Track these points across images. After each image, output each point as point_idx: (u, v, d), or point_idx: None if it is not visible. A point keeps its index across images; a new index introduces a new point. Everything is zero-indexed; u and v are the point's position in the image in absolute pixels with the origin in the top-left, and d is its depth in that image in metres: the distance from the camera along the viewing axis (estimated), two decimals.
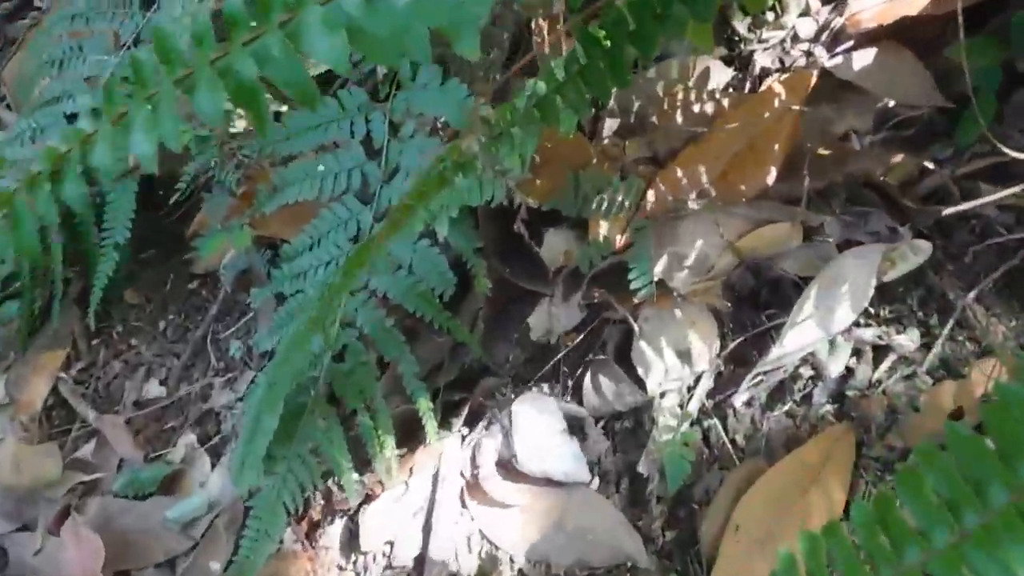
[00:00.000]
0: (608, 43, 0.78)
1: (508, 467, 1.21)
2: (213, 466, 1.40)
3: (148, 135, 0.63)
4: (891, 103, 1.19)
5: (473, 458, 1.24)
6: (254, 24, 0.62)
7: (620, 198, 1.05)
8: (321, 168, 1.30)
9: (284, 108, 1.52)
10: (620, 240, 1.09)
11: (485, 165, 0.79)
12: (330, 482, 1.30)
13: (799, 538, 0.65)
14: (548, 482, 1.20)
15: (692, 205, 1.09)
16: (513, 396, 1.24)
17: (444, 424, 1.27)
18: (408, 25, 0.53)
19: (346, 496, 1.24)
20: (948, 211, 1.00)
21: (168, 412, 1.50)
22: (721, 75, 1.24)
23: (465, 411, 1.28)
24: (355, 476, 1.27)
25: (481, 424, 1.26)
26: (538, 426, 1.21)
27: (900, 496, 0.63)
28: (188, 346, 1.54)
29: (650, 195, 1.10)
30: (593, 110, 1.30)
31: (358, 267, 0.93)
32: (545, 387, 1.25)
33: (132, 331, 1.61)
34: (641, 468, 1.16)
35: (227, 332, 1.53)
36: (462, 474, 1.25)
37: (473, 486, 1.23)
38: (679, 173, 1.13)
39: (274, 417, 1.13)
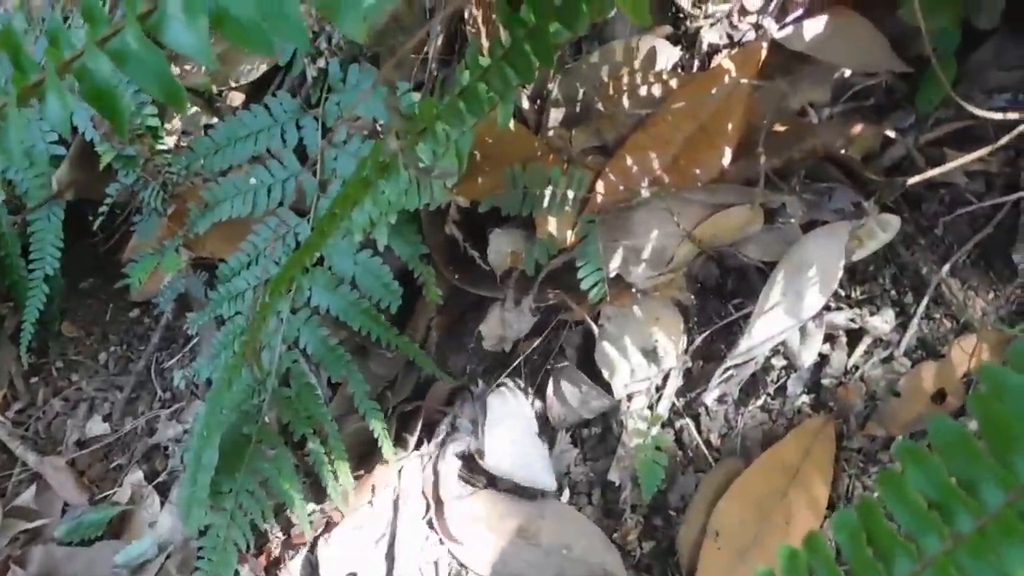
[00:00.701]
0: (532, 21, 0.70)
1: (472, 467, 1.15)
2: (162, 504, 1.32)
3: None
4: (847, 72, 1.13)
5: (435, 468, 1.17)
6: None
7: (565, 192, 0.98)
8: (253, 181, 1.23)
9: (214, 120, 1.45)
10: (571, 237, 1.02)
11: (407, 164, 0.71)
12: (286, 512, 1.22)
13: (778, 554, 0.58)
14: (513, 488, 1.14)
15: (644, 194, 1.02)
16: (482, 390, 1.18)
17: (399, 441, 1.20)
18: (279, 6, 0.46)
19: (302, 528, 1.16)
20: (914, 180, 0.94)
21: (113, 450, 1.42)
22: (668, 55, 1.17)
23: (420, 422, 1.20)
24: (311, 506, 1.20)
25: (438, 436, 1.19)
26: (510, 424, 1.14)
27: (884, 501, 0.56)
28: (131, 378, 1.46)
29: (600, 186, 1.03)
30: (536, 102, 1.24)
31: (285, 285, 0.86)
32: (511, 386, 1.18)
33: (71, 366, 1.53)
34: (612, 476, 1.09)
35: (171, 361, 1.45)
36: (424, 494, 1.18)
37: (438, 507, 1.15)
38: (628, 161, 1.06)
39: (213, 451, 1.06)
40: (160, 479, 1.34)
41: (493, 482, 1.15)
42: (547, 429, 1.16)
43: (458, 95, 0.75)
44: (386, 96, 1.00)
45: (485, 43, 1.01)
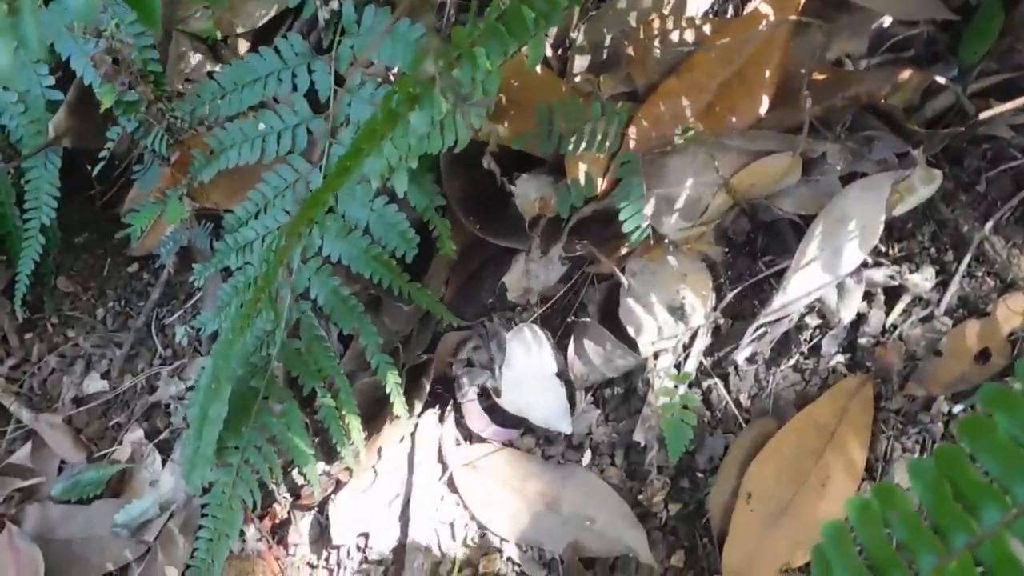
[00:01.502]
0: None
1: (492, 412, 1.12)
2: (164, 463, 1.27)
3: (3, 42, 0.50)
4: (887, 21, 1.08)
5: (456, 406, 1.13)
6: None
7: (600, 132, 0.92)
8: (262, 127, 1.17)
9: (219, 67, 1.39)
10: (603, 182, 0.97)
11: (444, 91, 0.66)
12: (293, 473, 1.18)
13: (847, 506, 0.54)
14: (535, 445, 1.10)
15: (677, 141, 0.98)
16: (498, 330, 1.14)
17: (412, 393, 1.15)
18: None
19: (311, 487, 1.12)
20: (984, 114, 0.89)
21: (112, 407, 1.37)
22: (700, 1, 1.13)
23: (431, 374, 1.16)
24: (320, 465, 1.15)
25: (457, 375, 1.14)
26: (527, 365, 1.11)
27: (970, 448, 0.52)
28: (130, 334, 1.40)
29: (632, 132, 0.98)
30: (559, 50, 1.19)
31: (303, 226, 0.81)
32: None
33: (68, 321, 1.47)
34: (637, 437, 1.05)
35: (172, 317, 1.40)
36: (441, 450, 1.14)
37: (456, 462, 1.11)
38: (661, 107, 1.01)
39: (222, 405, 1.01)
40: (161, 437, 1.30)
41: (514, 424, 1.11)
42: (567, 385, 1.12)
43: (498, 18, 0.70)
44: (421, 16, 0.94)
45: None
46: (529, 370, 1.09)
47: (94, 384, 1.38)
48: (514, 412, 1.10)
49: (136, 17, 0.47)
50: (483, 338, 1.13)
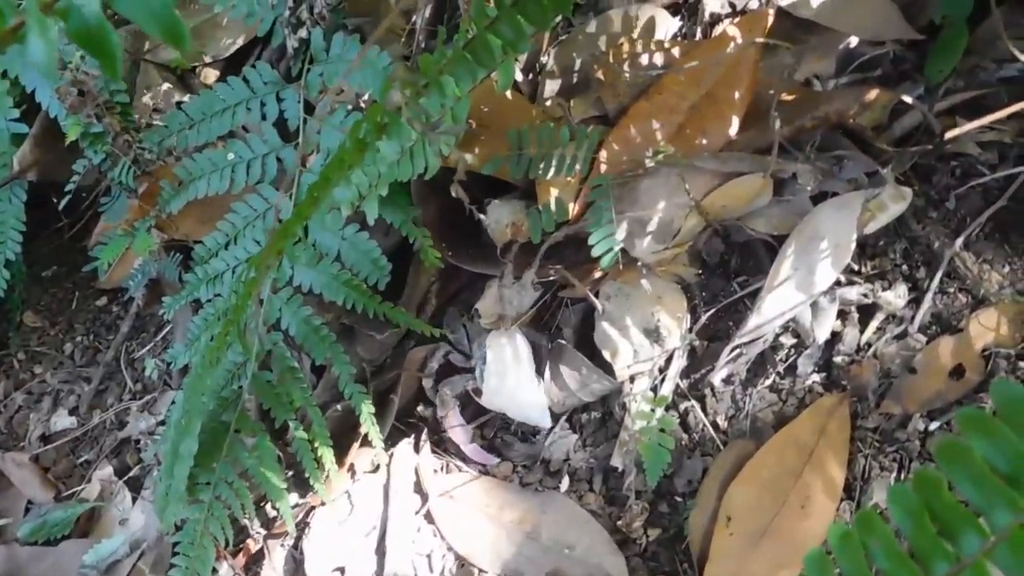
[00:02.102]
0: None
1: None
2: (134, 500, 1.24)
3: None
4: (854, 42, 1.09)
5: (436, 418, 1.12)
6: None
7: (570, 156, 0.92)
8: (231, 156, 1.16)
9: (186, 97, 1.38)
10: (575, 206, 0.97)
11: (412, 120, 0.66)
12: (267, 507, 1.16)
13: (829, 534, 0.53)
14: (513, 475, 1.08)
15: (649, 163, 0.97)
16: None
17: (384, 419, 1.13)
18: None
19: (284, 522, 1.10)
20: (953, 133, 0.89)
21: (80, 444, 1.34)
22: (668, 25, 1.13)
23: (399, 388, 1.15)
24: (293, 497, 1.13)
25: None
26: (505, 363, 1.09)
27: (948, 474, 0.51)
28: (99, 369, 1.38)
29: (603, 156, 0.98)
30: (530, 74, 1.19)
31: (273, 257, 0.79)
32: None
33: (35, 357, 1.44)
34: (615, 462, 1.04)
35: (142, 350, 1.38)
36: (418, 477, 1.12)
37: (435, 495, 1.10)
38: (632, 130, 1.01)
39: (193, 440, 0.99)
40: (132, 474, 1.27)
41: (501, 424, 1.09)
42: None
43: (465, 47, 0.70)
44: (387, 47, 0.93)
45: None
46: (508, 367, 1.07)
47: (62, 421, 1.35)
48: (496, 410, 1.09)
49: (134, 19, 0.46)
50: (462, 341, 1.12)
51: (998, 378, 0.90)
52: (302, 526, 1.13)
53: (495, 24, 0.69)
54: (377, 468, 1.14)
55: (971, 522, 0.50)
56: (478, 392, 1.10)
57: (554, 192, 0.96)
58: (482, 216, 0.95)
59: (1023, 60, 0.92)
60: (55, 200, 1.32)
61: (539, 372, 1.08)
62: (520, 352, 1.07)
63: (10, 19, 0.51)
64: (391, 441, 1.14)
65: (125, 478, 1.26)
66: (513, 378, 1.07)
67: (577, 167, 0.93)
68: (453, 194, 0.83)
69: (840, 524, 0.54)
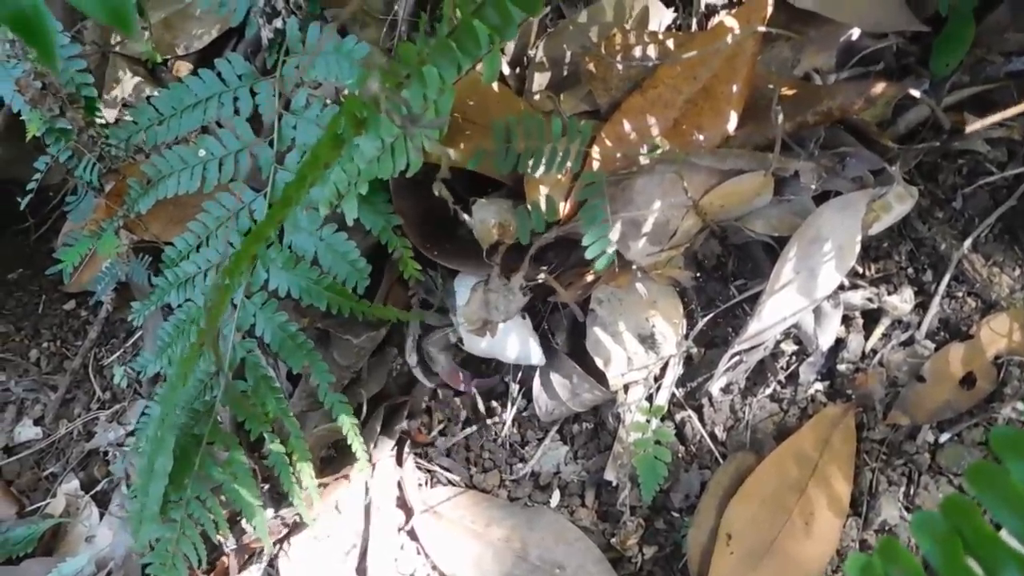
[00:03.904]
0: None
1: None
2: (101, 516, 1.18)
3: None
4: (855, 34, 1.04)
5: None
6: None
7: (562, 151, 0.87)
8: (202, 153, 1.09)
9: (157, 92, 1.31)
10: (565, 205, 0.92)
11: (391, 113, 0.60)
12: (242, 522, 1.10)
13: (848, 566, 0.48)
14: (500, 488, 1.03)
15: (644, 161, 0.92)
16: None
17: (369, 433, 1.08)
18: None
19: (260, 539, 1.04)
20: (972, 126, 0.84)
21: (45, 456, 1.27)
22: (662, 15, 1.08)
23: (405, 412, 1.10)
24: (269, 512, 1.08)
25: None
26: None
27: (978, 497, 0.47)
28: (66, 376, 1.31)
29: (594, 152, 0.93)
30: (517, 68, 1.13)
31: (246, 263, 0.74)
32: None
33: None
34: (608, 476, 0.99)
35: (111, 357, 1.31)
36: (400, 500, 1.06)
37: (419, 511, 1.04)
38: (625, 125, 0.96)
39: (167, 457, 0.93)
40: (99, 488, 1.21)
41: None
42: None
43: (449, 34, 0.64)
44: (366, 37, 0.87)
45: None
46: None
47: (26, 431, 1.29)
48: (481, 354, 1.05)
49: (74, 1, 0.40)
50: (433, 291, 1.07)
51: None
52: (279, 543, 1.08)
53: (481, 9, 0.64)
54: (359, 482, 1.08)
55: (1010, 552, 0.45)
56: (460, 340, 1.05)
57: (544, 190, 0.91)
58: (467, 217, 0.89)
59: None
60: (18, 199, 1.25)
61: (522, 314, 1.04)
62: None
63: None
64: (374, 454, 1.09)
65: (92, 492, 1.20)
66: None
67: (568, 163, 0.87)
68: (436, 193, 0.77)
69: (860, 555, 0.49)
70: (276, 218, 0.68)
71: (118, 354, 1.31)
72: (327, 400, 1.02)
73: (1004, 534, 0.46)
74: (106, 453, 1.23)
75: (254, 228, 0.64)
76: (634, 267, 0.96)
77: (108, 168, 1.15)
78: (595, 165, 0.92)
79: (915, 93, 0.92)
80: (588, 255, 0.86)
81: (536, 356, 1.03)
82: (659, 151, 0.86)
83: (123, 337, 1.32)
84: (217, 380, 1.02)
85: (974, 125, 0.89)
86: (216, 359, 0.96)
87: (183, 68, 1.35)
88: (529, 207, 0.87)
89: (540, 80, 1.07)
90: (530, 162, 0.85)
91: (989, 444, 0.48)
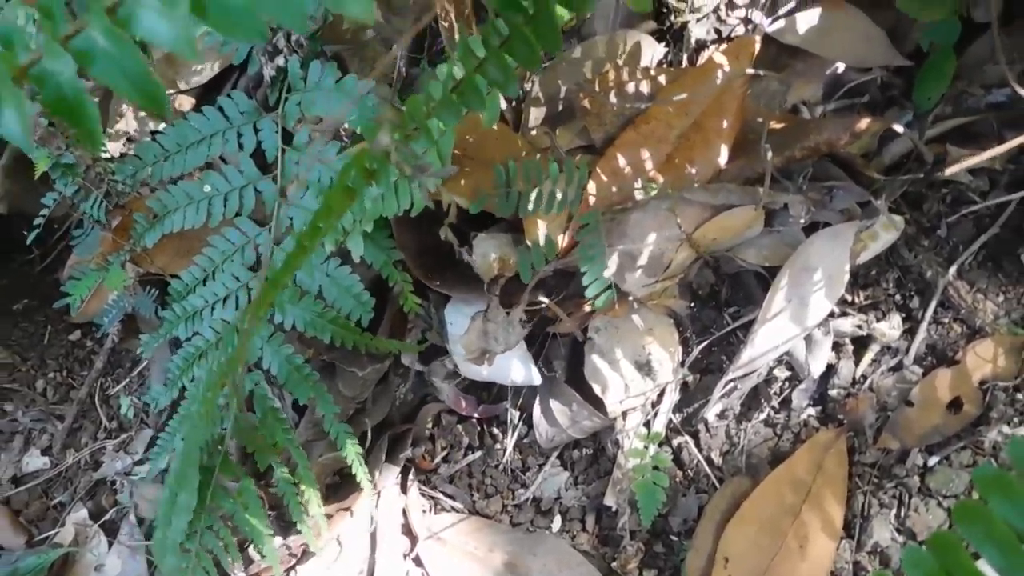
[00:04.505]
0: (532, 7, 0.63)
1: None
2: (110, 545, 1.20)
3: None
4: (840, 68, 1.08)
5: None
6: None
7: (560, 191, 0.90)
8: (207, 189, 1.12)
9: (162, 126, 1.34)
10: (563, 239, 0.95)
11: (401, 165, 0.63)
12: (250, 549, 1.12)
13: None
14: (503, 513, 1.05)
15: (638, 195, 0.96)
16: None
17: (374, 462, 1.11)
18: None
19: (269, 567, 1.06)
20: (952, 169, 0.87)
21: (53, 485, 1.29)
22: (653, 51, 1.11)
23: (409, 440, 1.12)
24: (277, 540, 1.10)
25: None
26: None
27: (966, 535, 0.49)
28: (72, 406, 1.33)
29: (591, 187, 0.96)
30: (513, 102, 1.16)
31: (266, 307, 0.76)
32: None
33: (4, 395, 1.39)
34: (608, 501, 1.01)
35: (117, 387, 1.34)
36: (406, 526, 1.09)
37: (423, 537, 1.07)
38: (620, 161, 0.99)
39: (191, 494, 0.95)
40: (107, 517, 1.23)
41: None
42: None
43: (452, 89, 0.67)
44: (376, 100, 0.91)
45: (470, 28, 0.93)
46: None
47: (34, 461, 1.31)
48: (476, 378, 1.08)
49: (112, 86, 0.43)
50: (429, 321, 1.10)
51: (1015, 436, 0.88)
52: (287, 571, 1.10)
53: (483, 65, 0.67)
54: (365, 510, 1.11)
55: None
56: (457, 368, 1.08)
57: (543, 228, 0.94)
58: (468, 257, 0.92)
59: (1015, 87, 0.91)
60: (24, 232, 1.27)
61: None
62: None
63: None
64: (378, 481, 1.11)
65: (100, 521, 1.22)
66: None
67: (564, 206, 0.90)
68: (443, 237, 0.80)
69: None
70: (293, 266, 0.70)
71: (124, 384, 1.33)
72: (332, 430, 1.05)
73: (988, 568, 0.49)
74: (113, 482, 1.25)
75: (271, 277, 0.67)
76: (630, 298, 0.98)
77: (114, 204, 1.17)
78: (592, 201, 0.95)
79: (898, 128, 0.95)
80: (588, 294, 0.89)
81: (535, 377, 1.05)
82: (654, 190, 0.89)
83: (128, 367, 1.35)
84: (227, 413, 1.05)
85: (954, 167, 0.92)
86: (236, 398, 0.99)
87: (185, 103, 1.38)
88: (529, 244, 0.90)
89: (536, 115, 1.10)
90: (530, 205, 0.88)
91: (974, 481, 0.50)
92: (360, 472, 1.06)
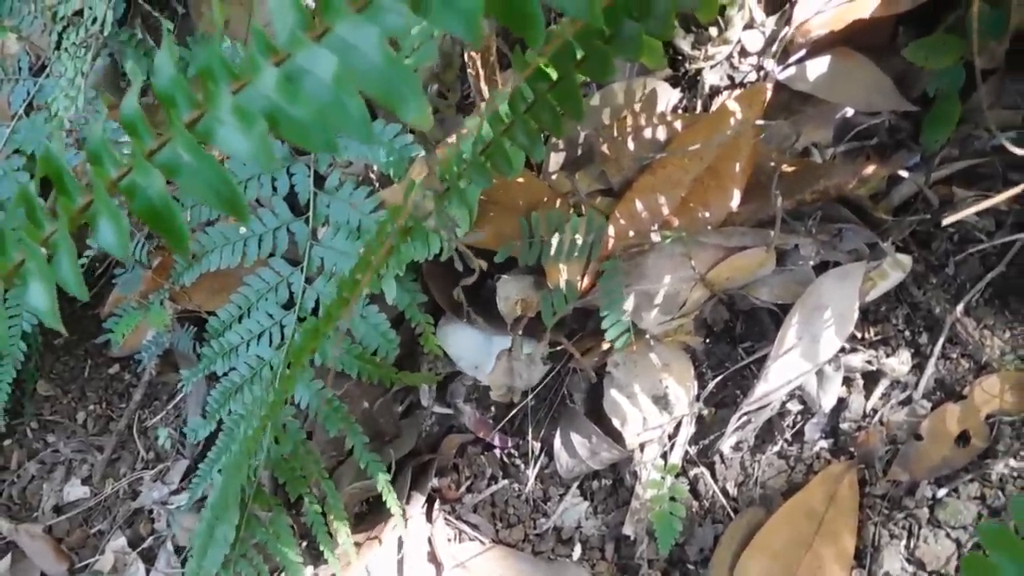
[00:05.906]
0: (556, 74, 0.68)
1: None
2: (148, 572, 1.25)
3: (45, 285, 0.51)
4: (850, 112, 1.12)
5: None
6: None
7: (581, 239, 0.95)
8: (243, 231, 1.18)
9: None
10: (583, 280, 0.99)
11: (439, 224, 0.68)
12: None
13: None
14: (525, 541, 1.09)
15: (655, 237, 1.00)
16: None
17: (400, 492, 1.15)
18: (338, 100, 0.42)
19: None
20: (950, 219, 0.91)
21: (93, 514, 1.35)
22: (669, 97, 1.16)
23: (433, 470, 1.17)
24: (308, 569, 1.14)
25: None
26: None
27: None
28: (111, 438, 1.39)
29: (610, 231, 1.00)
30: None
31: (308, 354, 0.81)
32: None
33: (47, 426, 1.45)
34: (627, 530, 1.05)
35: (154, 419, 1.39)
36: (431, 555, 1.13)
37: (449, 566, 1.11)
38: (638, 204, 1.04)
39: (229, 527, 1.00)
40: (145, 545, 1.28)
41: None
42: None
43: (481, 152, 0.72)
44: (406, 149, 0.96)
45: (495, 82, 0.98)
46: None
47: (75, 491, 1.36)
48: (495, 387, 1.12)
49: (196, 197, 0.47)
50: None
51: (1016, 494, 0.91)
52: None
53: (510, 129, 0.71)
54: (392, 539, 1.15)
55: None
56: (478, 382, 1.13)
57: (563, 271, 0.99)
58: (478, 319, 0.97)
59: (999, 136, 0.94)
60: None
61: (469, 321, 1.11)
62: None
63: (78, 199, 0.52)
64: (405, 510, 1.15)
65: (139, 549, 1.27)
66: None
67: (583, 253, 0.95)
68: (456, 297, 0.85)
69: None
70: (335, 317, 0.75)
71: (161, 415, 1.38)
72: (362, 460, 1.09)
73: None
74: (151, 511, 1.30)
75: (312, 326, 0.71)
76: (647, 335, 1.03)
77: (156, 245, 1.23)
78: (610, 243, 1.00)
79: (903, 174, 0.99)
80: (608, 336, 0.94)
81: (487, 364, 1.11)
82: (669, 237, 0.94)
83: (165, 399, 1.40)
84: (260, 446, 1.10)
85: (955, 215, 0.95)
86: (277, 434, 1.04)
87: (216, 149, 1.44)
88: (551, 287, 0.95)
89: (556, 159, 1.15)
90: (552, 253, 0.93)
91: (979, 534, 0.54)
92: (391, 501, 1.10)
